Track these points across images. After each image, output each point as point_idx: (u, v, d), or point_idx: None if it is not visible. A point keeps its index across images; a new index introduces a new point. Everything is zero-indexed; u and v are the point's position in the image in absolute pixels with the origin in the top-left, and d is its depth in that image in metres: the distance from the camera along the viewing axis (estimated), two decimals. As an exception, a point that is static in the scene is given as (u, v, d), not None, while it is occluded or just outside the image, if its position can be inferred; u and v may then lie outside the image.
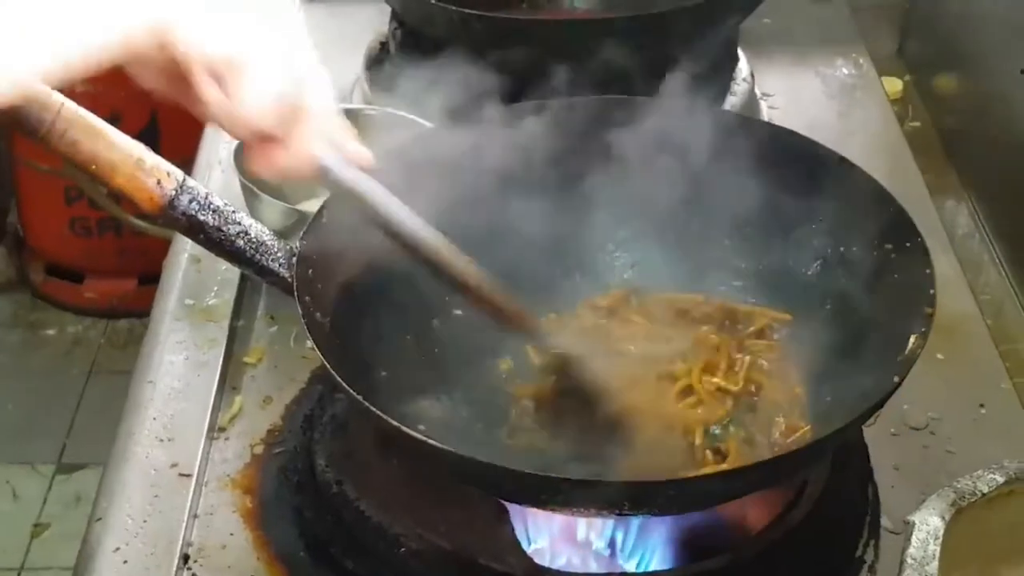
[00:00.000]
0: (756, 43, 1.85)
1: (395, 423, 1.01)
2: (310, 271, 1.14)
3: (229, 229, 1.14)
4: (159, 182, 1.08)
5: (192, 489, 1.23)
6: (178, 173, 1.11)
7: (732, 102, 1.70)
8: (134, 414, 1.31)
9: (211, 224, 1.12)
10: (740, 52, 1.78)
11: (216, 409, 1.33)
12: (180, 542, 1.19)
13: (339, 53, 1.82)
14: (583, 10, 1.76)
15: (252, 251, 1.15)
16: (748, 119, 1.53)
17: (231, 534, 1.21)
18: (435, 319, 1.28)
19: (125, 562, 1.17)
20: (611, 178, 1.31)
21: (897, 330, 1.11)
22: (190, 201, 1.11)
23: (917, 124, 1.90)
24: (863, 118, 1.84)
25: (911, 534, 0.98)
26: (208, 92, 0.94)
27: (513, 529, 1.12)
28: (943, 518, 0.99)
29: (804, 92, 1.86)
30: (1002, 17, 1.71)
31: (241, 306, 1.45)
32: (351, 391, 1.02)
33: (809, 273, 1.27)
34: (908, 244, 1.17)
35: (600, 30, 1.49)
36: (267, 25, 0.96)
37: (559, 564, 1.16)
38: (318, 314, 1.12)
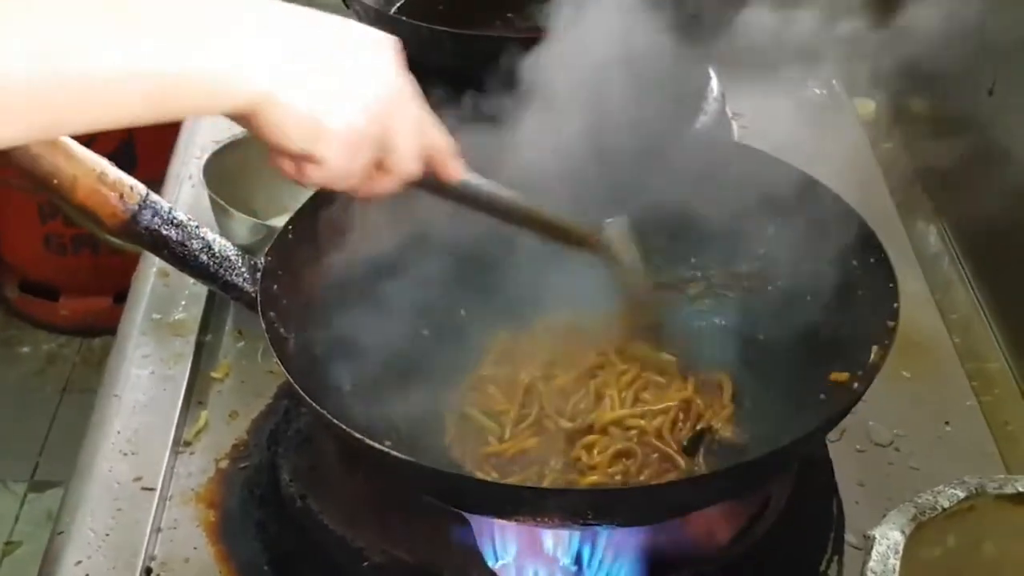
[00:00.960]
0: (727, 62, 1.86)
1: (357, 435, 1.01)
2: (275, 286, 1.14)
3: (193, 244, 1.14)
4: (122, 196, 1.08)
5: (155, 503, 1.23)
6: (141, 188, 1.11)
7: (703, 121, 1.70)
8: (98, 428, 1.31)
9: (175, 239, 1.12)
10: (711, 71, 1.78)
11: (182, 424, 1.33)
12: (143, 556, 1.18)
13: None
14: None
15: (216, 266, 1.15)
16: (714, 139, 1.54)
17: (194, 548, 1.21)
18: (403, 335, 1.28)
19: (87, 575, 1.16)
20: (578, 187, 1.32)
21: (861, 343, 1.12)
22: (153, 216, 1.11)
23: (889, 145, 1.91)
24: (835, 139, 1.84)
25: (871, 548, 0.98)
26: (288, 172, 0.94)
27: (477, 543, 1.12)
28: (903, 532, 0.99)
29: (775, 112, 1.86)
30: (971, 39, 1.71)
31: (209, 321, 1.45)
32: (313, 404, 1.02)
33: (775, 290, 1.27)
34: (872, 260, 1.18)
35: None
36: (349, 71, 0.92)
37: (526, 579, 1.16)
38: (282, 329, 1.12)
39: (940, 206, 1.75)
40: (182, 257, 1.14)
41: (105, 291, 2.99)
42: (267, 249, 1.18)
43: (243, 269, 1.16)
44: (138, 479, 1.25)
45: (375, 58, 0.94)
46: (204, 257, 1.15)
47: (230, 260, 1.16)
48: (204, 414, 1.34)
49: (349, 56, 0.92)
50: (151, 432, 1.30)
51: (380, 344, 1.25)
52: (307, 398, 1.03)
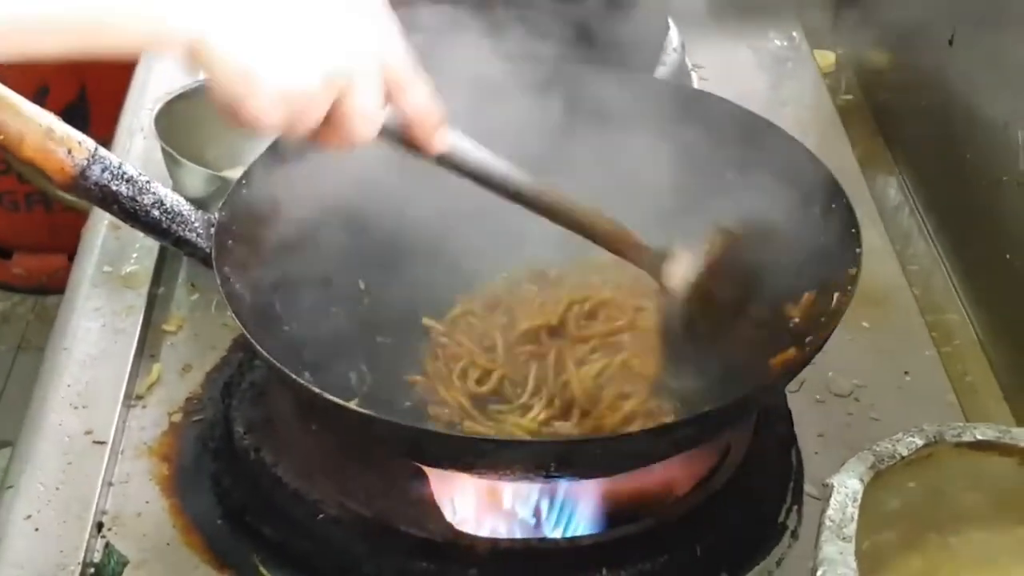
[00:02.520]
0: (688, 14, 1.84)
1: (316, 390, 1.00)
2: (229, 241, 1.12)
3: (144, 199, 1.12)
4: (70, 152, 1.06)
5: (107, 457, 1.21)
6: (89, 143, 1.09)
7: (662, 72, 1.68)
8: (48, 382, 1.29)
9: (125, 194, 1.10)
10: (671, 22, 1.76)
11: (134, 377, 1.31)
12: (94, 510, 1.17)
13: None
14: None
15: (168, 221, 1.13)
16: (674, 85, 1.53)
17: (147, 502, 1.19)
18: (362, 289, 1.27)
19: (37, 530, 1.15)
20: (535, 146, 1.30)
21: (823, 290, 1.11)
22: (102, 171, 1.09)
23: (849, 97, 1.90)
24: (795, 91, 1.84)
25: (830, 496, 0.97)
26: (229, 120, 0.88)
27: (433, 495, 1.11)
28: (862, 480, 0.98)
29: (736, 64, 1.86)
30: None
31: (161, 274, 1.43)
32: (271, 359, 1.01)
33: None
34: (834, 206, 1.17)
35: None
36: (312, 20, 0.87)
37: (483, 533, 1.14)
38: (238, 285, 1.11)
39: (900, 158, 1.75)
40: (133, 212, 1.12)
41: (59, 249, 2.95)
42: (221, 204, 1.15)
43: (196, 224, 1.14)
44: (89, 433, 1.23)
45: (349, 10, 0.89)
46: (156, 212, 1.13)
47: (183, 215, 1.14)
48: (157, 367, 1.33)
49: (316, 4, 0.87)
50: (102, 385, 1.28)
51: (338, 297, 1.23)
52: (266, 354, 1.01)
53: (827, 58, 1.95)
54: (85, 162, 1.07)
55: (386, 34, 0.92)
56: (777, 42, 1.91)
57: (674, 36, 1.75)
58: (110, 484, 1.20)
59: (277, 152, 1.19)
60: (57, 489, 1.18)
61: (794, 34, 1.92)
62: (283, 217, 1.20)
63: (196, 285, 1.42)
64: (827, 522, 0.96)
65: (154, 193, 1.13)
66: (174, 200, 1.14)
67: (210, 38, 0.83)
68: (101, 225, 1.47)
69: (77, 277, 1.42)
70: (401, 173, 1.20)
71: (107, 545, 1.15)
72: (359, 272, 1.26)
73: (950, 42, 1.60)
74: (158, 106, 1.49)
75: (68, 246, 2.97)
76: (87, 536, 1.14)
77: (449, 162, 1.01)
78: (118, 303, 1.38)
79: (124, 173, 1.10)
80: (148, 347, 1.35)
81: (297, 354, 1.13)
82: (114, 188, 1.10)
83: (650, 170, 1.30)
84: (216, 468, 1.21)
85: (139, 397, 1.30)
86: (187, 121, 1.47)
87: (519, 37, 1.37)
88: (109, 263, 1.43)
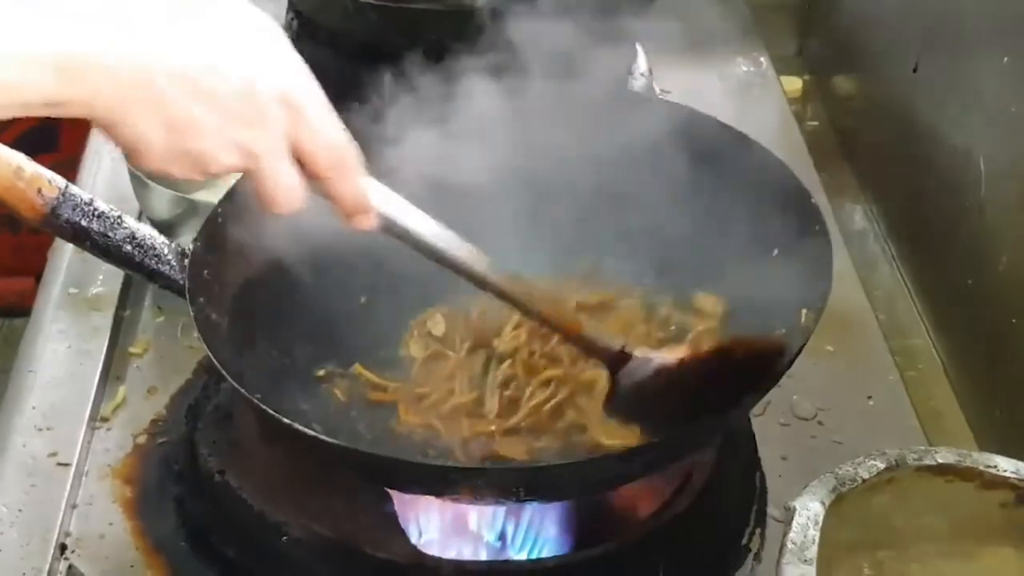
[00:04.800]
0: (655, 39, 1.85)
1: (301, 428, 1.00)
2: (204, 272, 1.12)
3: (116, 234, 1.12)
4: (40, 191, 1.07)
5: (71, 479, 1.21)
6: (60, 181, 1.09)
7: (630, 97, 1.69)
8: (13, 403, 1.29)
9: (96, 230, 1.11)
10: (638, 47, 1.78)
11: (99, 399, 1.31)
12: (57, 532, 1.16)
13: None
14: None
15: (141, 255, 1.13)
16: (646, 97, 1.53)
17: (110, 524, 1.19)
18: (339, 317, 1.27)
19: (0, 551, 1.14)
20: (509, 160, 1.31)
21: (792, 306, 1.11)
22: (73, 209, 1.09)
23: (815, 123, 1.92)
24: (761, 116, 1.84)
25: (792, 519, 0.98)
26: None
27: (397, 517, 1.11)
28: (823, 503, 0.99)
29: (703, 89, 1.86)
30: (897, 18, 1.72)
31: (127, 296, 1.43)
32: (246, 393, 1.01)
33: (707, 251, 1.26)
34: (808, 221, 1.17)
35: (495, 21, 1.48)
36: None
37: (448, 555, 1.14)
38: (214, 315, 1.10)
39: (865, 184, 1.76)
40: (105, 248, 1.12)
41: (27, 271, 2.94)
42: (196, 235, 1.16)
43: (169, 256, 1.14)
44: (53, 455, 1.23)
45: (253, 42, 0.82)
46: (128, 247, 1.13)
47: (155, 248, 1.14)
48: (122, 389, 1.32)
49: (217, 28, 0.81)
50: (67, 407, 1.28)
51: (313, 326, 1.23)
52: (242, 390, 1.01)
53: (794, 84, 1.96)
54: (56, 201, 1.08)
55: (289, 64, 0.86)
56: (744, 68, 1.92)
57: (642, 61, 1.77)
58: (74, 506, 1.20)
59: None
60: (20, 511, 1.18)
61: (761, 60, 1.93)
62: (257, 246, 1.20)
63: (162, 308, 1.42)
64: (789, 544, 0.97)
65: (126, 228, 1.13)
66: (146, 233, 1.15)
67: (93, 55, 0.76)
68: (67, 247, 1.47)
69: (43, 299, 1.42)
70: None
71: (70, 567, 1.14)
72: (338, 301, 1.26)
73: (914, 69, 1.61)
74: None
75: (35, 268, 2.97)
76: (50, 558, 1.14)
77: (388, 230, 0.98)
78: (84, 325, 1.38)
79: (95, 209, 1.11)
80: (114, 369, 1.35)
81: (271, 382, 1.13)
82: (85, 224, 1.10)
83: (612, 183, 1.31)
84: (180, 491, 1.21)
85: (104, 419, 1.29)
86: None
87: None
88: (75, 285, 1.43)
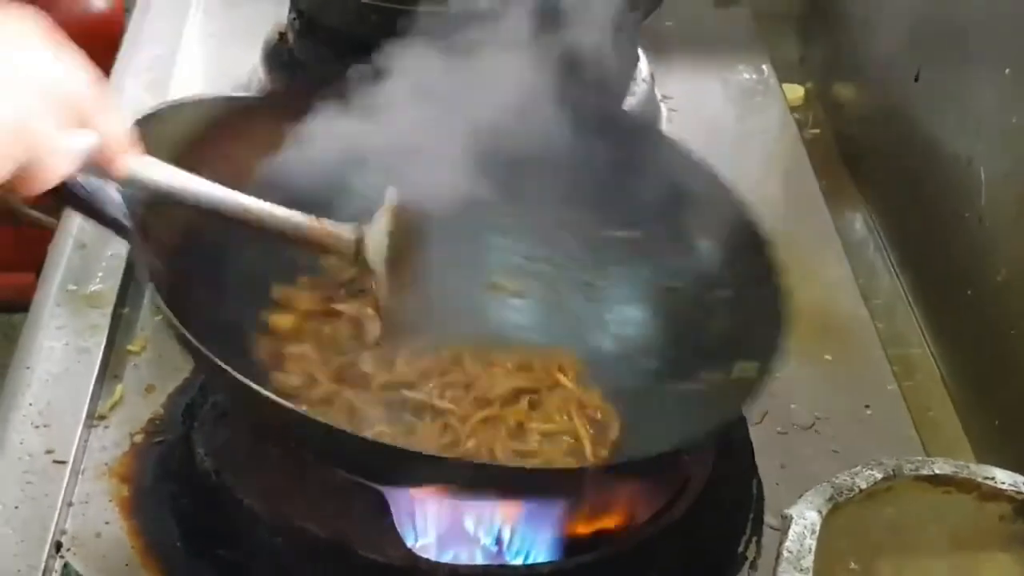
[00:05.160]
0: (658, 45, 1.86)
1: (235, 373, 0.99)
2: (149, 218, 1.10)
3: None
4: None
5: (67, 477, 1.21)
6: None
7: (631, 103, 1.69)
8: (9, 400, 1.28)
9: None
10: (641, 53, 1.78)
11: (96, 397, 1.30)
12: (53, 530, 1.16)
13: (237, 43, 1.81)
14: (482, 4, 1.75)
15: (87, 195, 1.11)
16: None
17: (106, 523, 1.18)
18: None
19: (-6, 549, 1.14)
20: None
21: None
22: None
23: (816, 131, 1.92)
24: (763, 123, 1.85)
25: (788, 528, 0.98)
26: None
27: (394, 520, 1.11)
28: (820, 512, 0.99)
29: (705, 96, 1.87)
30: (899, 27, 1.72)
31: (126, 294, 1.43)
32: (192, 338, 1.00)
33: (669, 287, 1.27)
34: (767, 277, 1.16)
35: (496, 24, 1.48)
36: None
37: (444, 559, 1.14)
38: (156, 261, 1.09)
39: (866, 192, 1.77)
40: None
41: (26, 267, 2.93)
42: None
43: (118, 200, 1.13)
44: (50, 452, 1.23)
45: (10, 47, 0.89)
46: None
47: (103, 190, 1.13)
48: (120, 387, 1.32)
49: None
50: (64, 405, 1.28)
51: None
52: (189, 337, 1.01)
53: (795, 92, 1.97)
54: None
55: (57, 61, 0.91)
56: (746, 75, 1.92)
57: (643, 67, 1.77)
58: (70, 504, 1.20)
59: (207, 132, 1.20)
60: (16, 508, 1.17)
61: (763, 67, 1.93)
62: None
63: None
64: (785, 553, 0.97)
65: None
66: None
67: None
68: (66, 243, 1.47)
69: (41, 296, 1.42)
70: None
71: (65, 565, 1.14)
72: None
73: (916, 79, 1.62)
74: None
75: (35, 263, 2.97)
76: (45, 556, 1.14)
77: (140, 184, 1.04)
78: (82, 322, 1.37)
79: None
80: (111, 367, 1.34)
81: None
82: None
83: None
84: (176, 490, 1.21)
85: (101, 417, 1.29)
86: (156, 142, 1.46)
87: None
88: (74, 282, 1.43)
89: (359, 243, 1.16)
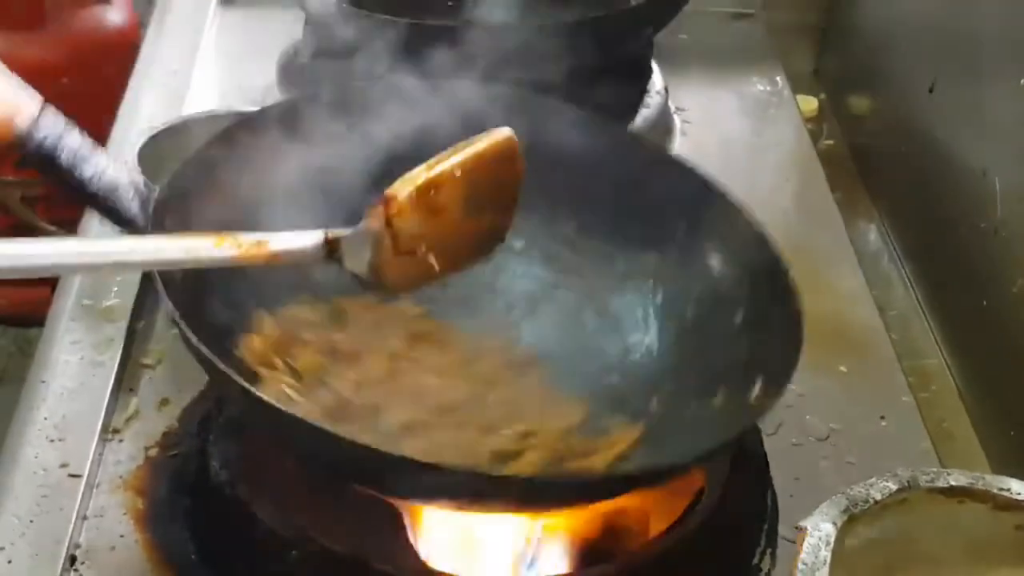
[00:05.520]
0: (672, 57, 1.86)
1: (223, 367, 0.99)
2: (166, 219, 1.10)
3: (83, 170, 1.10)
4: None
5: (82, 490, 1.21)
6: (34, 104, 1.07)
7: (645, 115, 1.70)
8: (25, 414, 1.28)
9: (65, 161, 1.09)
10: (654, 65, 1.78)
11: (111, 410, 1.30)
12: (67, 543, 1.16)
13: (254, 58, 1.82)
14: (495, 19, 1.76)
15: (105, 194, 1.12)
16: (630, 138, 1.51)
17: (121, 536, 1.18)
18: None
19: (9, 562, 1.14)
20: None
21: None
22: (45, 137, 1.08)
23: (831, 143, 1.92)
24: (777, 135, 1.85)
25: (803, 540, 0.98)
26: None
27: (408, 533, 1.11)
28: (835, 524, 0.99)
29: (719, 108, 1.87)
30: (914, 38, 1.73)
31: (141, 308, 1.43)
32: (202, 347, 1.00)
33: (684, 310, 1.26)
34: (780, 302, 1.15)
35: (511, 38, 1.48)
36: None
37: (458, 572, 1.14)
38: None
39: (880, 203, 1.76)
40: (69, 181, 1.11)
41: (43, 281, 2.93)
42: (162, 183, 1.14)
43: (134, 199, 1.13)
44: (64, 466, 1.23)
45: None
46: (93, 187, 1.11)
47: (121, 188, 1.13)
48: (134, 401, 1.32)
49: None
50: (79, 419, 1.28)
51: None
52: (191, 336, 1.00)
53: (810, 104, 1.97)
54: (31, 120, 1.06)
55: None
56: (760, 87, 1.92)
57: (657, 79, 1.77)
58: (84, 518, 1.20)
59: (228, 137, 1.19)
60: (31, 522, 1.17)
61: (777, 79, 1.94)
62: (224, 198, 1.19)
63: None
64: (800, 566, 0.97)
65: (95, 163, 1.11)
66: (115, 173, 1.13)
67: None
68: (82, 257, 1.47)
69: (57, 310, 1.42)
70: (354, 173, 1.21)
71: (80, 579, 1.15)
72: None
73: (930, 90, 1.62)
74: (142, 140, 1.49)
75: (50, 278, 2.99)
76: (59, 570, 1.14)
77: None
78: (97, 336, 1.37)
79: (67, 141, 1.09)
80: (126, 381, 1.35)
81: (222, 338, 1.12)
82: (55, 153, 1.09)
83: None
84: (191, 503, 1.21)
85: (116, 431, 1.29)
86: (171, 156, 1.47)
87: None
88: (89, 296, 1.43)
89: (332, 246, 1.08)
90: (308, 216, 1.18)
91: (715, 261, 1.23)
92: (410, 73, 1.37)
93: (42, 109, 1.06)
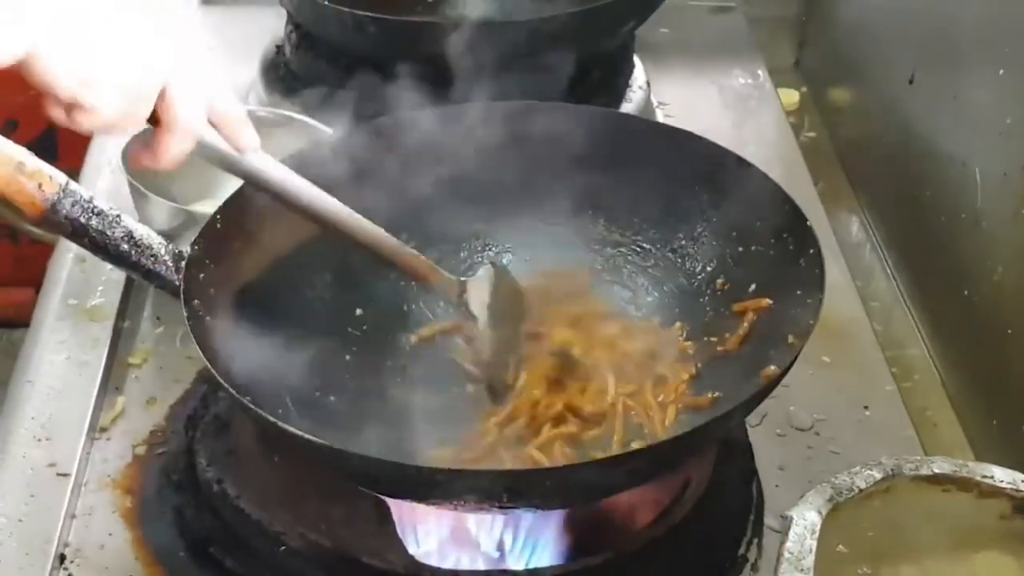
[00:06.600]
0: (653, 51, 1.86)
1: (273, 419, 1.00)
2: (200, 275, 1.13)
3: (114, 232, 1.12)
4: (40, 186, 1.07)
5: (70, 489, 1.21)
6: (60, 177, 1.09)
7: (627, 109, 1.70)
8: (12, 414, 1.29)
9: (95, 228, 1.11)
10: (636, 59, 1.78)
11: (98, 409, 1.31)
12: (56, 542, 1.16)
13: (235, 56, 1.82)
14: (477, 15, 1.76)
15: (138, 255, 1.13)
16: (645, 121, 1.54)
17: (110, 534, 1.19)
18: (340, 325, 1.27)
19: (-1, 562, 1.15)
20: (506, 184, 1.32)
21: (784, 329, 1.12)
22: (73, 205, 1.09)
23: (812, 135, 1.92)
24: (758, 128, 1.85)
25: (789, 529, 0.99)
26: (59, 118, 0.99)
27: (395, 527, 1.11)
28: (820, 513, 0.99)
29: (700, 101, 1.87)
30: (894, 30, 1.73)
31: (127, 307, 1.43)
32: (235, 392, 1.01)
33: (702, 273, 1.28)
34: (799, 239, 1.18)
35: (493, 35, 1.49)
36: (127, 28, 0.98)
37: (446, 565, 1.15)
38: (208, 318, 1.11)
39: (862, 195, 1.77)
40: (103, 246, 1.13)
41: (27, 283, 2.93)
42: (195, 238, 1.16)
43: (166, 258, 1.15)
44: (52, 465, 1.23)
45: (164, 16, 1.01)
46: (125, 246, 1.13)
47: (152, 248, 1.15)
48: (121, 400, 1.33)
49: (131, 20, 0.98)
50: (66, 418, 1.28)
51: (309, 335, 1.24)
52: (232, 390, 1.01)
53: (791, 96, 1.97)
54: (56, 196, 1.08)
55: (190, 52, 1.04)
56: (741, 80, 1.92)
57: (639, 73, 1.77)
58: (73, 516, 1.20)
59: (251, 189, 1.20)
60: (20, 521, 1.18)
61: (759, 72, 1.94)
62: (254, 253, 1.21)
63: (161, 318, 1.42)
64: (786, 554, 0.97)
65: (124, 226, 1.13)
66: (144, 233, 1.15)
67: (42, 47, 0.92)
68: (67, 258, 1.48)
69: (42, 310, 1.42)
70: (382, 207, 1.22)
71: (69, 577, 1.15)
72: (339, 308, 1.28)
73: (910, 81, 1.62)
74: (126, 139, 1.49)
75: (35, 279, 2.97)
76: (49, 568, 1.14)
77: (257, 179, 1.12)
78: (83, 336, 1.38)
79: (95, 207, 1.11)
80: (112, 380, 1.35)
81: (265, 388, 1.13)
82: (84, 221, 1.10)
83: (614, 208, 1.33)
84: (179, 500, 1.21)
85: (103, 430, 1.29)
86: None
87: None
88: (74, 296, 1.43)
89: (462, 287, 1.24)
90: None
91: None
92: (395, 71, 1.38)
93: (68, 180, 1.09)
